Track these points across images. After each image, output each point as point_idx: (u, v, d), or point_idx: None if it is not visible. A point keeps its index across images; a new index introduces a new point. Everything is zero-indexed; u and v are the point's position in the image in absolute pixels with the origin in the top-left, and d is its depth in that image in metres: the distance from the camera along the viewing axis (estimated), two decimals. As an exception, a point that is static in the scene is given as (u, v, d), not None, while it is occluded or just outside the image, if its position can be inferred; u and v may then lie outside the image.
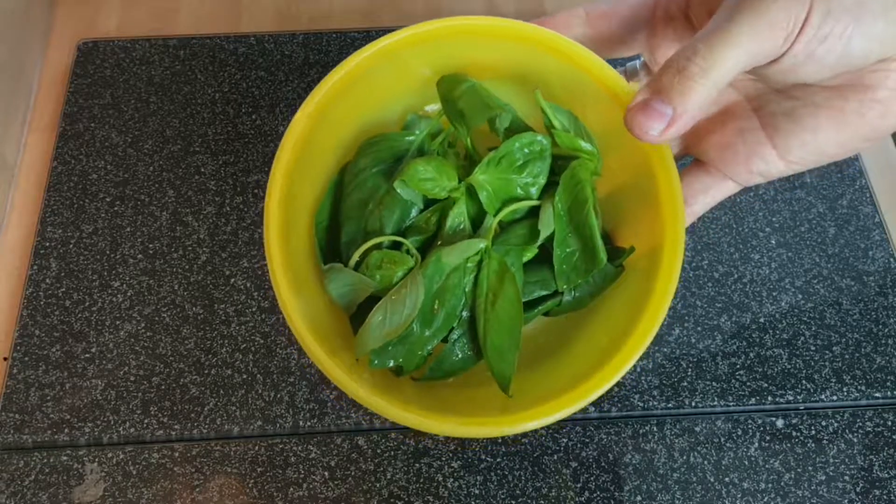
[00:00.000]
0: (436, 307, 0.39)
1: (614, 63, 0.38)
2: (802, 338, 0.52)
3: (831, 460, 0.48)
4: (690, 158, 0.39)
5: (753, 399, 0.50)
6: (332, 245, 0.44)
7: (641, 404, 0.50)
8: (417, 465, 0.48)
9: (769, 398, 0.50)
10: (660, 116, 0.30)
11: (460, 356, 0.41)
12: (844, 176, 0.59)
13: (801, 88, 0.33)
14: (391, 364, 0.40)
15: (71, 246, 0.55)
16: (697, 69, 0.29)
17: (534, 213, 0.41)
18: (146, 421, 0.49)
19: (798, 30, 0.29)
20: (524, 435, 0.48)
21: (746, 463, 0.48)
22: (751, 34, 0.28)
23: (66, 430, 0.48)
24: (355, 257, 0.41)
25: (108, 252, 0.54)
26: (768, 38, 0.29)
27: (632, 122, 0.30)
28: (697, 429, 0.49)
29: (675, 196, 0.36)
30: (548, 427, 0.49)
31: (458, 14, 0.67)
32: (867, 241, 0.56)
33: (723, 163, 0.36)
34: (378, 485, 0.47)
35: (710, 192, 0.37)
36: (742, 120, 0.35)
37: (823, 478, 0.48)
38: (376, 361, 0.39)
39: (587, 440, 0.49)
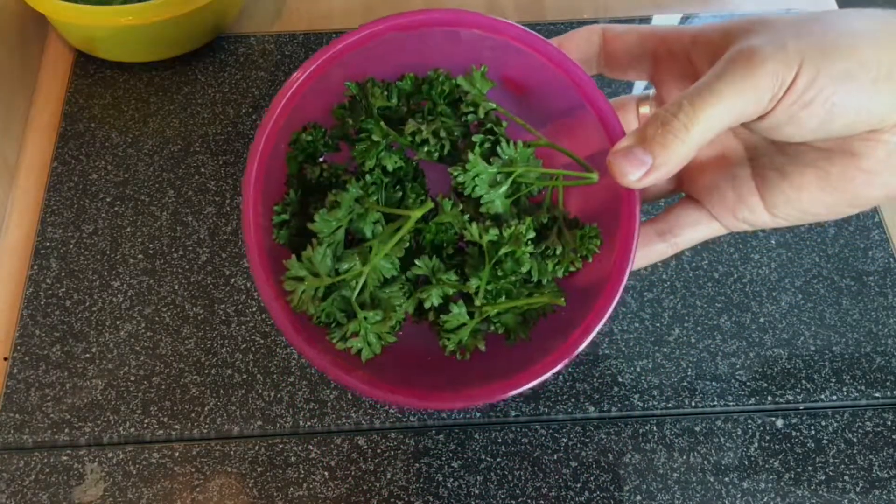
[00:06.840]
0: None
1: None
2: (802, 338, 0.52)
3: (831, 460, 0.48)
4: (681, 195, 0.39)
5: (753, 399, 0.50)
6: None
7: (641, 404, 0.50)
8: (417, 464, 0.48)
9: (769, 398, 0.50)
10: (640, 164, 0.31)
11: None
12: (844, 176, 0.59)
13: (794, 146, 0.34)
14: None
15: (71, 246, 0.55)
16: (680, 125, 0.30)
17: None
18: (146, 421, 0.49)
19: (783, 93, 0.30)
20: (524, 435, 0.48)
21: (746, 463, 0.48)
22: (735, 95, 0.29)
23: (67, 430, 0.48)
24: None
25: (108, 252, 0.54)
26: (752, 100, 0.30)
27: (613, 164, 0.32)
28: (697, 429, 0.49)
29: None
30: (547, 427, 0.49)
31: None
32: (867, 240, 0.56)
33: (711, 204, 0.37)
34: (378, 485, 0.47)
35: (698, 228, 0.38)
36: (736, 167, 0.36)
37: (823, 478, 0.48)
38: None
39: (587, 440, 0.49)
